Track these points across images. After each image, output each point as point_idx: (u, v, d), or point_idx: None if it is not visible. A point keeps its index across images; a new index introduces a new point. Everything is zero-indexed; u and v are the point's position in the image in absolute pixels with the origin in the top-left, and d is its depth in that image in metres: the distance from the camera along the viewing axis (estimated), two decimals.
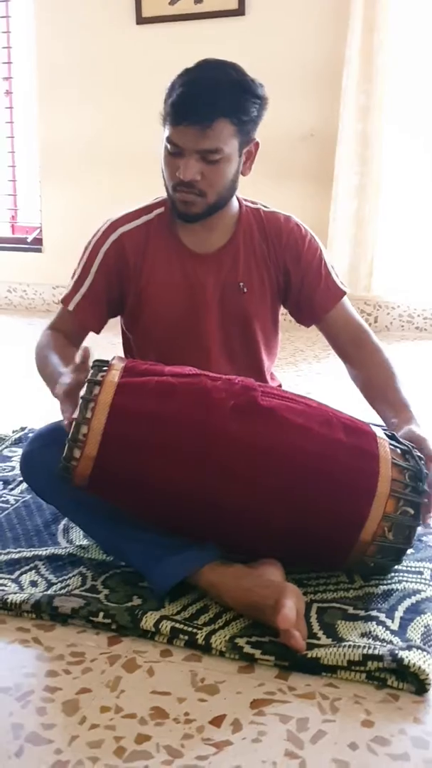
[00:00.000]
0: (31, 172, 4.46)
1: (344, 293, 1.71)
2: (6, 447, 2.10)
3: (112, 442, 1.29)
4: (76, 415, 1.29)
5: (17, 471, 1.87)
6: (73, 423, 1.29)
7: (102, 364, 1.37)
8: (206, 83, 1.49)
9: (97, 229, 1.68)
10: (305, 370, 3.08)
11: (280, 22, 3.71)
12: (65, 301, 1.69)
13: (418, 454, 1.37)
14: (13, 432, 2.21)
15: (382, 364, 1.65)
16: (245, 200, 1.70)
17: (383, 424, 1.54)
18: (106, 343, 1.80)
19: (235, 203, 1.65)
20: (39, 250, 4.46)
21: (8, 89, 4.47)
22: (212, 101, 1.47)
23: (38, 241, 4.47)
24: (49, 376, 1.53)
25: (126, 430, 1.30)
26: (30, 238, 4.51)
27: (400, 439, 1.40)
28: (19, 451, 1.98)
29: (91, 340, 1.74)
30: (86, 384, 1.33)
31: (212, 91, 1.47)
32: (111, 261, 1.64)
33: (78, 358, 1.33)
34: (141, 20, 3.94)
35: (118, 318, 1.76)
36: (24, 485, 1.79)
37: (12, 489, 1.83)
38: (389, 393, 1.59)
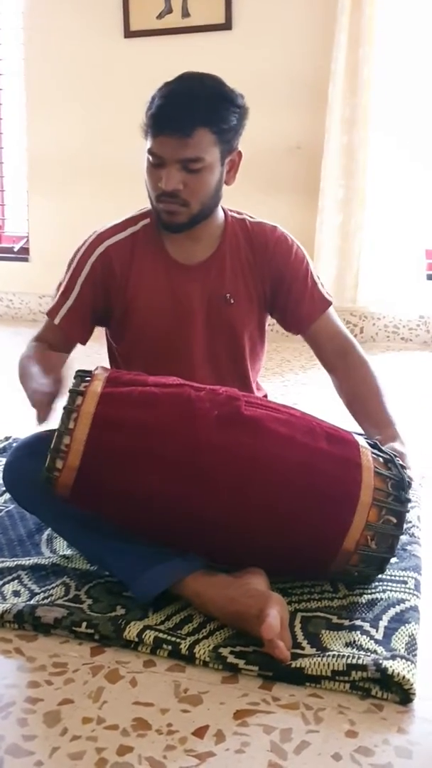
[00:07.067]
0: (19, 182, 4.45)
1: (330, 304, 1.72)
2: None
3: (94, 452, 1.28)
4: (58, 425, 1.29)
5: (0, 480, 1.86)
6: (56, 433, 1.29)
7: (85, 374, 1.37)
8: (184, 94, 1.50)
9: (83, 241, 1.67)
10: (291, 380, 3.08)
11: (267, 36, 3.73)
12: (51, 313, 1.68)
13: (401, 463, 1.38)
14: None
15: (367, 379, 1.65)
16: (231, 211, 1.70)
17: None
18: (92, 353, 1.80)
19: (220, 214, 1.66)
20: (26, 260, 4.45)
21: None
22: (190, 111, 1.48)
23: (25, 251, 4.46)
24: (27, 385, 1.51)
25: (108, 440, 1.29)
26: (17, 248, 4.50)
27: (383, 448, 1.40)
28: (3, 460, 1.97)
29: (76, 350, 1.74)
30: (69, 394, 1.32)
31: (190, 101, 1.49)
32: (97, 273, 1.64)
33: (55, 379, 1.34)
34: (129, 34, 3.96)
35: (103, 328, 1.75)
36: (7, 495, 1.77)
37: None
38: (374, 409, 1.60)
